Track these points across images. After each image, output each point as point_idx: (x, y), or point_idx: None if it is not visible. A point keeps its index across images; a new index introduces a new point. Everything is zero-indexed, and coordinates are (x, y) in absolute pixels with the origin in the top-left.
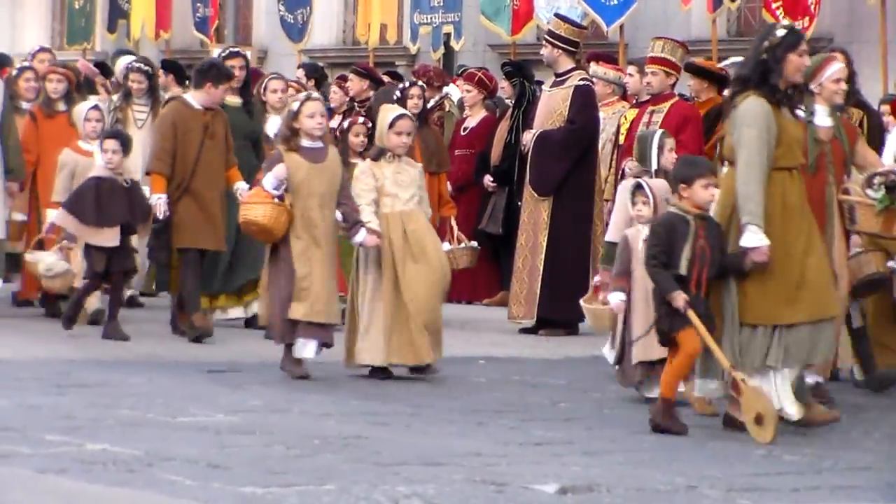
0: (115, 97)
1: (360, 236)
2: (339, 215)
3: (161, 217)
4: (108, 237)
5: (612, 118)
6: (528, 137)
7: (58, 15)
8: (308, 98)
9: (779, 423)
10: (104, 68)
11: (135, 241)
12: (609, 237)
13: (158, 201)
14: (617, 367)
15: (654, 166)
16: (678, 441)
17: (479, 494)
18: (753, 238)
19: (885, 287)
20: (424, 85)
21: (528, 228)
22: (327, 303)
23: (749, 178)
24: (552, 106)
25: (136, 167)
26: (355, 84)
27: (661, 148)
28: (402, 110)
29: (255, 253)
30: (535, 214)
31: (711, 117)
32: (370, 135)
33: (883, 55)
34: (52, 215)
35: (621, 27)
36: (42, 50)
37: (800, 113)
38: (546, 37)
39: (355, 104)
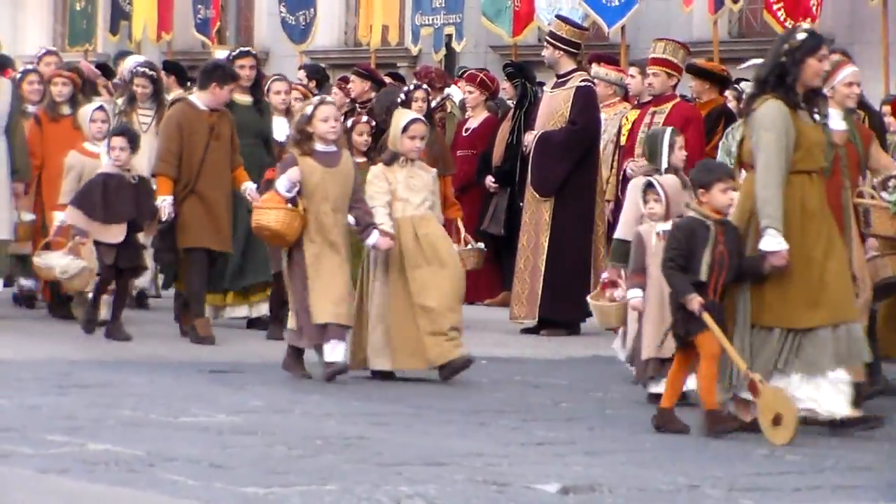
0: (119, 101)
1: (373, 238)
2: (351, 219)
3: (166, 219)
4: (115, 234)
5: (613, 119)
6: (529, 138)
7: (59, 16)
8: (322, 102)
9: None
10: (106, 70)
11: (141, 237)
12: (618, 234)
13: (164, 203)
14: (631, 364)
15: (665, 164)
16: (680, 441)
17: (481, 494)
18: (772, 242)
19: None
20: (428, 88)
21: (529, 229)
22: (348, 305)
23: (768, 181)
24: (554, 107)
25: (142, 169)
26: (357, 85)
27: (671, 146)
28: (416, 114)
29: (263, 256)
30: (537, 215)
31: (713, 118)
32: (374, 134)
33: (884, 56)
34: (60, 217)
35: (623, 28)
36: (49, 53)
37: (815, 117)
38: (547, 38)
39: (356, 105)
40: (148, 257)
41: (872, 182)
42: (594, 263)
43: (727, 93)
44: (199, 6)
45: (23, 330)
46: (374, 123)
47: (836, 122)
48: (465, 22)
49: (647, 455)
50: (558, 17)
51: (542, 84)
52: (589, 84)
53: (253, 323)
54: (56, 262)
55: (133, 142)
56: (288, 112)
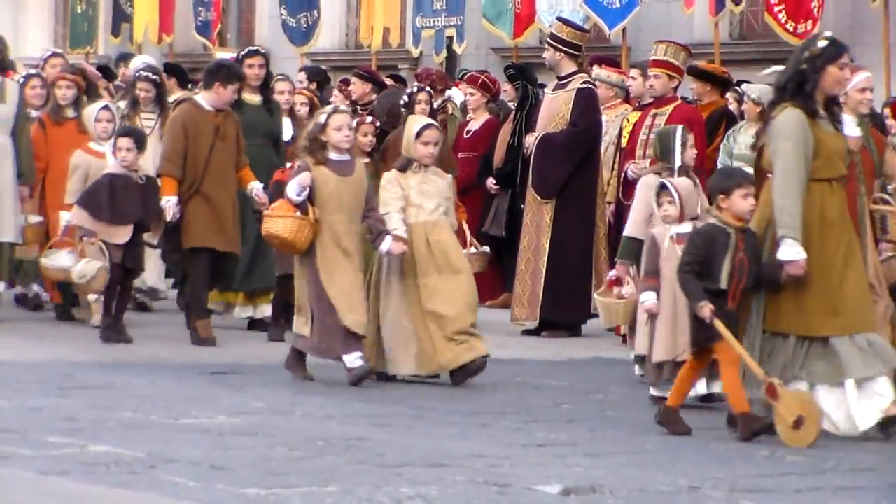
0: (121, 104)
1: (386, 244)
2: (364, 227)
3: (171, 220)
4: (122, 234)
5: (614, 121)
6: (530, 140)
7: (61, 19)
8: (335, 110)
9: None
10: (106, 72)
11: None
12: (628, 232)
13: (168, 204)
14: (644, 365)
15: (678, 163)
16: (681, 442)
17: (482, 496)
18: (790, 251)
19: None
20: (431, 90)
21: (530, 231)
22: (363, 314)
23: (786, 190)
24: (555, 109)
25: (147, 171)
26: (358, 87)
27: (683, 143)
28: (430, 120)
29: (272, 261)
30: (538, 217)
31: (714, 120)
32: (378, 134)
33: (885, 58)
34: (66, 217)
35: (624, 30)
36: (54, 55)
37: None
38: (548, 40)
39: (358, 107)
40: (157, 257)
41: (888, 188)
42: (595, 265)
43: (728, 95)
44: (200, 8)
45: (24, 331)
46: (377, 124)
47: (851, 128)
48: (466, 24)
49: (649, 456)
50: (559, 19)
51: (543, 86)
52: (590, 86)
53: (254, 324)
54: (69, 265)
55: (140, 142)
56: (291, 112)
